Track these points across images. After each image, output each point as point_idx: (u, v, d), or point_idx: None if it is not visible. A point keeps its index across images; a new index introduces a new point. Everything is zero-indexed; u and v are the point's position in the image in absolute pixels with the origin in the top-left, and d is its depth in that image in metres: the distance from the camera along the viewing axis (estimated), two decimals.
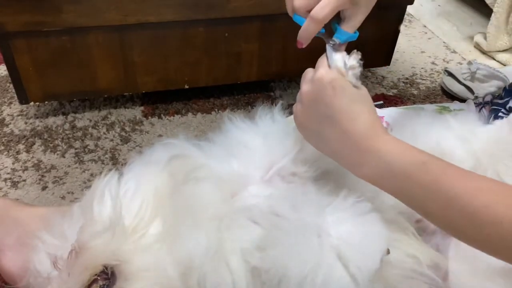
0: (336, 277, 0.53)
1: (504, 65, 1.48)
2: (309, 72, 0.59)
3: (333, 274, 0.53)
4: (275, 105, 0.75)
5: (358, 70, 0.56)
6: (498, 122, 0.75)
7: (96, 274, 0.56)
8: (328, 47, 0.59)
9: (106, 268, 0.58)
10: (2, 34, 0.95)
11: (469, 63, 1.34)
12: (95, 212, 0.61)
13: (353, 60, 0.56)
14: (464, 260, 0.65)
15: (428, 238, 0.69)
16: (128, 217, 0.60)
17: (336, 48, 0.59)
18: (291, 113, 0.67)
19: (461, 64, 1.48)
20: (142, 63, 1.09)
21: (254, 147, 0.68)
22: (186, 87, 1.18)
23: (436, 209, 0.50)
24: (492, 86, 1.29)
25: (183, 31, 1.07)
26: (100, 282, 0.58)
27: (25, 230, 0.80)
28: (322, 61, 0.58)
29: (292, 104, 0.91)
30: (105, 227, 0.57)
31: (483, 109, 0.86)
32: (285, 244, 0.55)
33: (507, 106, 0.79)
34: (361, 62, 0.57)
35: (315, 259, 0.53)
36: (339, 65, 0.56)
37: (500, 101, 0.83)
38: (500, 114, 0.79)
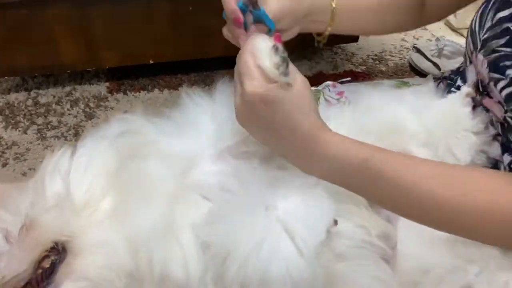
0: (282, 250, 0.53)
1: None
2: (237, 84, 0.55)
3: (279, 246, 0.53)
4: None
5: (285, 65, 0.51)
6: (450, 96, 0.76)
7: (47, 250, 0.56)
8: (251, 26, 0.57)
9: (57, 244, 0.58)
10: None
11: (437, 39, 1.35)
12: (46, 187, 0.60)
13: (277, 56, 0.51)
14: (411, 230, 0.66)
15: (379, 209, 0.70)
16: (78, 193, 0.59)
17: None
18: None
19: (430, 41, 1.49)
20: (104, 37, 1.07)
21: (207, 124, 0.68)
22: (151, 62, 1.16)
23: (386, 198, 0.54)
24: (457, 63, 1.29)
25: (147, 5, 1.05)
26: (52, 257, 0.58)
27: None
28: (249, 66, 0.52)
29: None
30: (55, 202, 0.57)
31: (441, 83, 0.87)
32: (233, 219, 0.56)
33: (457, 85, 0.80)
34: (286, 54, 0.53)
35: (261, 232, 0.53)
36: (267, 70, 0.51)
37: (454, 77, 0.84)
38: (452, 89, 0.80)
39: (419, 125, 0.75)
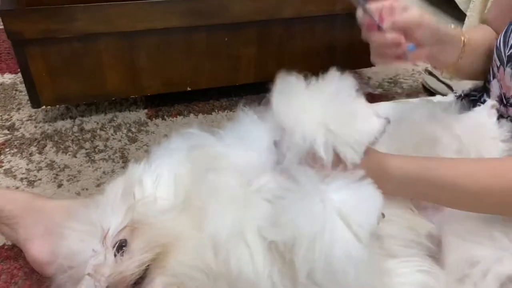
0: (341, 235, 0.59)
1: None
2: None
3: (338, 232, 0.59)
4: None
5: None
6: (477, 108, 0.85)
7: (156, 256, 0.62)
8: None
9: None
10: (18, 41, 1.02)
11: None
12: (137, 194, 0.68)
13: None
14: (455, 228, 0.74)
15: (422, 212, 0.77)
16: (169, 199, 0.67)
17: None
18: None
19: None
20: (148, 67, 1.17)
21: (265, 138, 0.76)
22: (189, 89, 1.25)
23: (445, 198, 0.68)
24: (469, 83, 1.40)
25: (187, 37, 1.15)
26: None
27: (50, 220, 0.86)
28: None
29: None
30: (164, 207, 0.64)
31: (463, 100, 0.96)
32: (294, 212, 0.62)
33: (482, 99, 0.89)
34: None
35: (321, 221, 0.60)
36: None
37: (477, 94, 0.93)
38: (478, 103, 0.89)
39: (451, 136, 0.83)
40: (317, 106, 0.64)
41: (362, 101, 0.66)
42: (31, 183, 1.06)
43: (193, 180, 0.70)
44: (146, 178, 0.69)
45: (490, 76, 0.86)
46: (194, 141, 0.77)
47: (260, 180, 0.73)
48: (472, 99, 0.95)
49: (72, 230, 0.73)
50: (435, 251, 0.73)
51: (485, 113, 0.84)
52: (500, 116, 0.83)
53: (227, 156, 0.74)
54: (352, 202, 0.62)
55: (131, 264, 0.61)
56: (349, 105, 0.65)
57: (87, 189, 1.05)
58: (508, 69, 0.78)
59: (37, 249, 0.84)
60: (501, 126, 0.82)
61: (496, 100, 0.84)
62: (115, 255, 0.64)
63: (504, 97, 0.82)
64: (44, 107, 1.20)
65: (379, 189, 0.63)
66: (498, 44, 0.81)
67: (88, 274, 0.64)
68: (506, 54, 0.78)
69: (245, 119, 0.80)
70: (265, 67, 1.26)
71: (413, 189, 0.67)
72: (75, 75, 1.12)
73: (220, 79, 1.25)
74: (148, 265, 0.62)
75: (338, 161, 0.63)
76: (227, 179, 0.70)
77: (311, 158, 0.63)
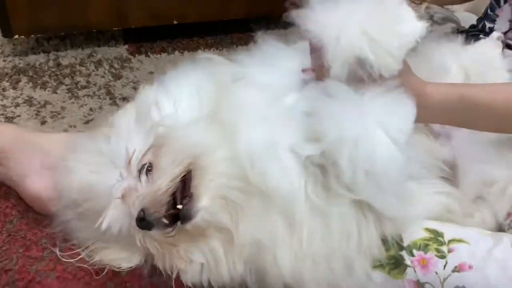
0: (382, 141, 0.59)
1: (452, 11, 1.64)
2: None
3: (379, 139, 0.59)
4: None
5: None
6: (482, 40, 0.87)
7: (188, 167, 0.59)
8: None
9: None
10: None
11: (427, 7, 1.47)
12: (155, 116, 0.63)
13: None
14: (468, 152, 0.76)
15: (436, 138, 0.79)
16: (194, 115, 0.63)
17: None
18: None
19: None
20: None
21: (290, 61, 0.73)
22: (175, 22, 1.18)
23: (482, 122, 0.67)
24: (448, 28, 1.44)
25: None
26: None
27: (46, 154, 0.80)
28: None
29: None
30: (186, 122, 0.60)
31: (465, 35, 0.98)
32: (333, 119, 0.60)
33: (487, 28, 0.91)
34: None
35: (361, 127, 0.59)
36: None
37: (473, 30, 0.95)
38: (480, 36, 0.91)
39: (458, 66, 0.85)
40: (358, 13, 0.61)
41: (404, 4, 0.64)
42: (9, 120, 0.97)
43: (218, 95, 0.67)
44: (163, 98, 0.65)
45: (497, 2, 0.88)
46: (213, 63, 0.73)
47: (291, 98, 0.70)
48: (471, 34, 0.97)
49: (80, 163, 0.68)
50: (450, 174, 0.76)
51: (491, 44, 0.86)
52: (506, 47, 0.85)
53: (253, 74, 0.71)
54: (389, 110, 0.62)
55: (163, 181, 0.58)
56: (390, 9, 0.62)
57: (74, 126, 0.98)
58: None
59: (35, 185, 0.78)
60: (505, 56, 0.84)
61: (509, 23, 0.86)
62: (146, 178, 0.61)
63: None
64: (11, 38, 1.08)
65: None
66: None
67: (120, 198, 0.60)
68: None
69: (265, 44, 0.77)
70: (260, 1, 1.20)
71: (451, 113, 0.66)
72: (52, 2, 1.01)
73: (209, 13, 1.19)
74: (188, 182, 0.60)
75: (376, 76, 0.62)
76: (256, 94, 0.68)
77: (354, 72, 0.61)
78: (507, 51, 0.86)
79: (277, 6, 1.20)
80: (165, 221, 0.59)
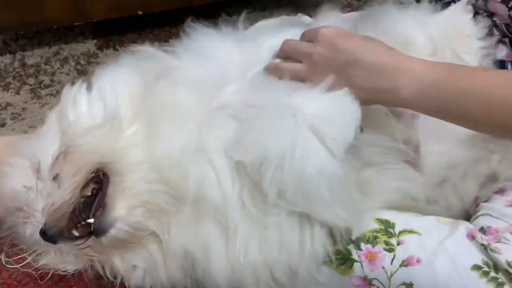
0: (314, 150, 0.53)
1: None
2: (306, 36, 0.61)
3: (310, 148, 0.54)
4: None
5: None
6: (452, 6, 0.79)
7: (92, 172, 0.55)
8: None
9: (97, 171, 0.57)
10: None
11: None
12: (71, 116, 0.59)
13: None
14: (432, 131, 0.69)
15: (398, 118, 0.72)
16: (110, 116, 0.59)
17: None
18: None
19: None
20: None
21: (227, 50, 0.68)
22: (140, 12, 1.13)
23: (469, 109, 0.54)
24: None
25: None
26: (92, 186, 0.57)
27: None
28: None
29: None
30: (97, 124, 0.56)
31: (437, 4, 0.89)
32: (262, 128, 0.56)
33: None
34: None
35: (292, 136, 0.54)
36: None
37: None
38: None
39: (425, 37, 0.77)
40: None
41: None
42: None
43: (143, 94, 0.62)
44: (81, 97, 0.61)
45: None
46: (144, 56, 0.68)
47: (224, 94, 0.65)
48: (445, 3, 0.89)
49: (13, 167, 0.65)
50: (413, 157, 0.70)
51: (460, 10, 0.78)
52: (476, 13, 0.77)
53: (185, 68, 0.66)
54: (326, 114, 0.56)
55: (63, 192, 0.54)
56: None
57: (34, 126, 0.96)
58: None
59: None
60: (477, 23, 0.76)
61: None
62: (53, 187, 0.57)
63: None
64: None
65: (398, 86, 0.55)
66: None
67: (21, 211, 0.56)
68: None
69: (199, 34, 0.71)
70: None
71: (440, 97, 0.54)
72: (6, 0, 0.98)
73: (175, 1, 1.13)
74: (92, 197, 0.55)
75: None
76: (184, 93, 0.63)
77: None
78: (479, 17, 0.77)
79: None
80: (75, 233, 0.55)
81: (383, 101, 0.60)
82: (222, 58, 0.68)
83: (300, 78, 0.61)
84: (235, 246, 0.55)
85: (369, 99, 0.58)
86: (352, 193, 0.59)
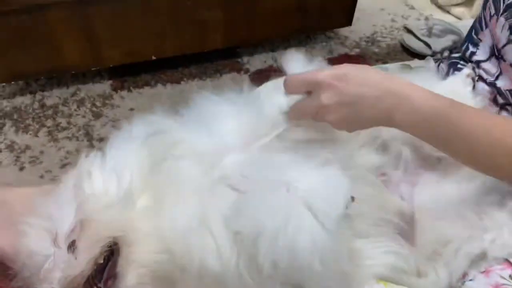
0: (306, 224, 0.56)
1: (460, 19, 1.54)
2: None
3: (303, 222, 0.56)
4: (243, 72, 0.79)
5: None
6: (452, 77, 0.81)
7: (107, 246, 0.59)
8: None
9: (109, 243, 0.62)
10: None
11: (426, 19, 1.39)
12: (86, 189, 0.63)
13: None
14: (428, 206, 0.72)
15: (393, 188, 0.75)
16: (121, 191, 0.63)
17: None
18: (258, 78, 0.71)
19: (419, 20, 1.54)
20: (106, 36, 1.09)
21: (227, 120, 0.71)
22: (154, 58, 1.18)
23: (458, 145, 0.60)
24: (448, 41, 1.35)
25: (145, 1, 1.06)
26: (104, 254, 0.62)
27: (10, 211, 0.82)
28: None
29: (261, 69, 0.89)
30: (111, 200, 0.60)
31: (441, 64, 0.91)
32: (257, 203, 0.59)
33: (469, 52, 0.84)
34: None
35: (285, 212, 0.57)
36: None
37: (456, 55, 0.88)
38: (459, 66, 0.85)
39: None
40: None
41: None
42: None
43: (150, 169, 0.66)
44: (96, 170, 0.65)
45: (480, 25, 0.81)
46: (153, 127, 0.72)
47: (224, 164, 0.69)
48: (452, 62, 0.91)
49: (30, 227, 0.69)
50: (406, 230, 0.72)
51: (461, 82, 0.80)
52: (480, 79, 0.79)
53: (188, 142, 0.70)
54: (318, 189, 0.59)
55: (78, 265, 0.58)
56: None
57: (50, 171, 1.01)
58: (501, 19, 0.73)
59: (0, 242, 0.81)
60: (476, 95, 0.78)
61: (489, 50, 0.79)
62: (69, 257, 0.61)
63: (496, 48, 0.78)
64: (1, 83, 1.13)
65: (392, 114, 0.59)
66: None
67: (40, 279, 0.61)
68: (505, 3, 0.72)
69: (202, 100, 0.75)
70: (234, 31, 1.19)
71: (431, 128, 0.59)
72: (27, 48, 1.04)
73: (186, 46, 1.18)
74: (104, 264, 0.60)
75: None
76: (188, 167, 0.66)
77: None
78: (480, 84, 0.79)
79: (253, 33, 1.18)
80: None
81: (378, 125, 0.63)
82: (223, 128, 0.72)
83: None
84: None
85: (367, 127, 0.64)
86: (343, 264, 0.63)
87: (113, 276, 0.59)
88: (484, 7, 0.79)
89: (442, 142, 0.61)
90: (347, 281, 0.63)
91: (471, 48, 0.86)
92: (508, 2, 0.72)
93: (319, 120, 0.64)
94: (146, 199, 0.64)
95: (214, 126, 0.72)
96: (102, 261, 0.61)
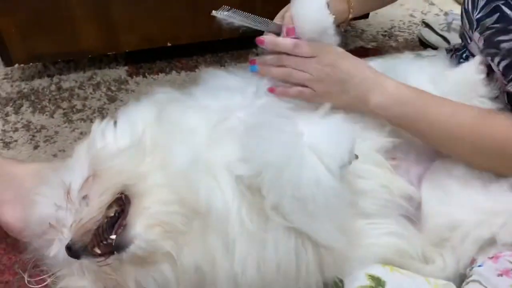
0: (311, 164, 0.58)
1: None
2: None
3: (308, 161, 0.58)
4: None
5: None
6: (465, 64, 0.79)
7: (119, 193, 0.60)
8: None
9: (121, 193, 0.63)
10: None
11: (446, 14, 1.37)
12: (99, 145, 0.65)
13: None
14: (436, 191, 0.71)
15: (402, 173, 0.74)
16: (133, 141, 0.64)
17: None
18: None
19: (438, 15, 1.52)
20: (124, 21, 1.10)
21: (238, 87, 0.73)
22: (169, 44, 1.19)
23: (425, 128, 0.68)
24: None
25: None
26: (115, 207, 0.63)
27: (20, 185, 0.84)
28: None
29: None
30: (122, 149, 0.62)
31: (453, 55, 0.90)
32: (263, 144, 0.60)
33: (464, 55, 0.83)
34: None
35: (290, 151, 0.58)
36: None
37: (462, 49, 0.87)
38: (461, 60, 0.83)
39: (438, 93, 0.78)
40: None
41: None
42: (6, 145, 1.04)
43: (160, 122, 0.68)
44: (109, 130, 0.67)
45: (467, 39, 0.80)
46: (164, 97, 0.74)
47: (232, 118, 0.69)
48: (457, 54, 0.89)
49: (41, 196, 0.71)
50: (413, 214, 0.71)
51: (474, 69, 0.78)
52: (490, 70, 0.77)
53: (198, 103, 0.72)
54: (324, 134, 0.61)
55: (89, 210, 0.59)
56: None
57: (64, 150, 1.03)
58: (476, 34, 0.72)
59: (8, 214, 0.82)
60: (488, 83, 0.76)
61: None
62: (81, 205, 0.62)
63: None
64: (20, 65, 1.16)
65: (369, 97, 0.67)
66: (466, 8, 0.75)
67: (50, 225, 0.62)
68: (475, 18, 0.72)
69: (213, 76, 0.77)
70: None
71: (399, 110, 0.68)
72: (47, 31, 1.06)
73: (203, 34, 1.19)
74: (114, 218, 0.60)
75: None
76: (194, 117, 0.68)
77: None
78: (491, 77, 0.77)
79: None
80: (97, 250, 0.60)
81: (354, 107, 0.69)
82: (230, 96, 0.73)
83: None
84: (234, 259, 0.59)
85: (344, 105, 0.69)
86: (344, 216, 0.64)
87: (123, 225, 0.60)
88: (461, 23, 0.81)
89: (410, 124, 0.68)
90: (347, 234, 0.63)
91: (467, 53, 0.85)
92: (477, 16, 0.72)
93: (301, 82, 0.69)
94: (156, 152, 0.66)
95: (221, 94, 0.73)
96: (112, 215, 0.62)
